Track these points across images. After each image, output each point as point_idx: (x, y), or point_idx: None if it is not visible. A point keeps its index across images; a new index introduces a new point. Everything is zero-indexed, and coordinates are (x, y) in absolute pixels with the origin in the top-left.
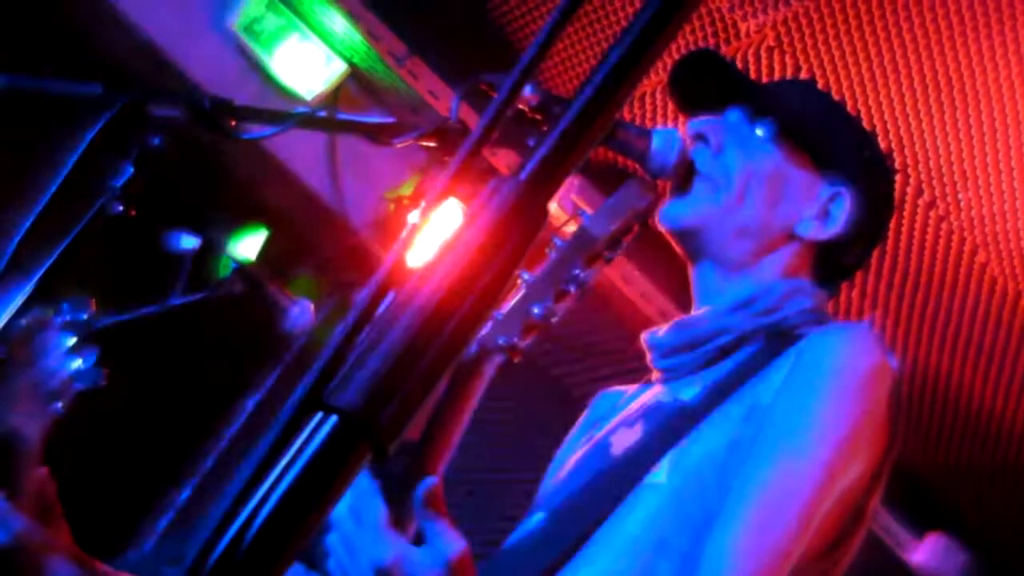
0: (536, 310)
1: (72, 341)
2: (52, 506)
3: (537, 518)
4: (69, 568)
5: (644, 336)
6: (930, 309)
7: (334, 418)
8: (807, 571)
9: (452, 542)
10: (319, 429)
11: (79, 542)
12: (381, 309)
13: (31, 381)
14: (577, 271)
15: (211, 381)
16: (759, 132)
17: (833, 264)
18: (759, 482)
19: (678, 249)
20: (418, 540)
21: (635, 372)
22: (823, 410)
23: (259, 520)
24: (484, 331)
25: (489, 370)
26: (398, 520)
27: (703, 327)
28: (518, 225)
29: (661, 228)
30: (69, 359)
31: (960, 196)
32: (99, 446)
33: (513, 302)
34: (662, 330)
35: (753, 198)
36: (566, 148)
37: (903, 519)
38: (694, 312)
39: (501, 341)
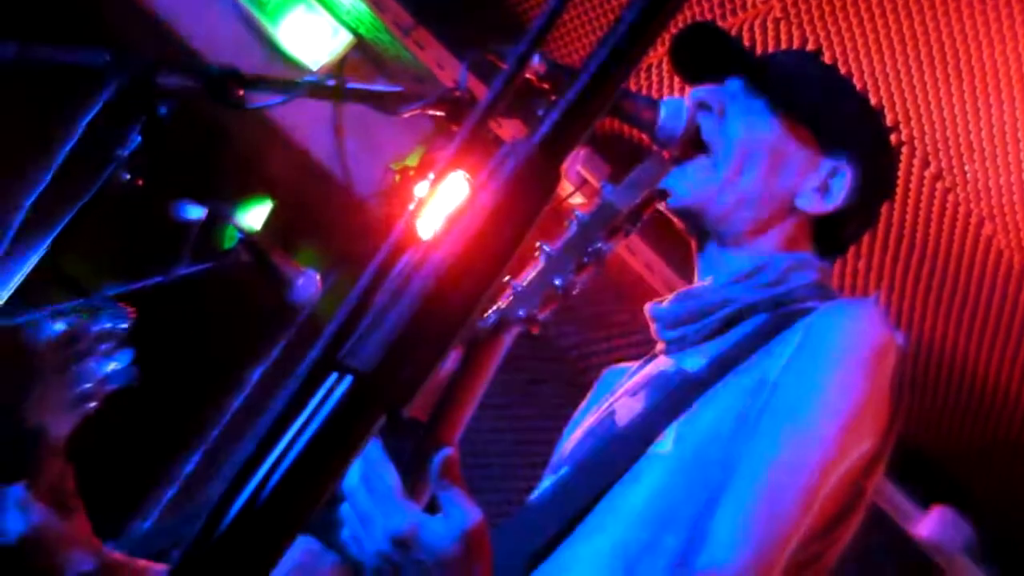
0: (557, 282)
1: (110, 347)
2: (71, 498)
3: (545, 488)
4: (87, 559)
5: (648, 307)
6: (935, 281)
7: (349, 378)
8: (805, 550)
9: (469, 511)
10: (334, 389)
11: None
12: (395, 272)
13: (64, 384)
14: (599, 244)
15: (216, 352)
16: (759, 103)
17: (832, 237)
18: (766, 459)
19: (677, 224)
20: (433, 509)
21: (640, 345)
22: (830, 389)
23: (274, 479)
24: (504, 302)
25: (507, 340)
26: (412, 490)
27: (707, 298)
28: (531, 189)
29: (670, 215)
30: (105, 362)
31: (967, 168)
32: (103, 417)
33: (533, 274)
34: (666, 301)
35: (752, 170)
36: (578, 113)
37: (909, 493)
38: (696, 283)
39: (521, 313)
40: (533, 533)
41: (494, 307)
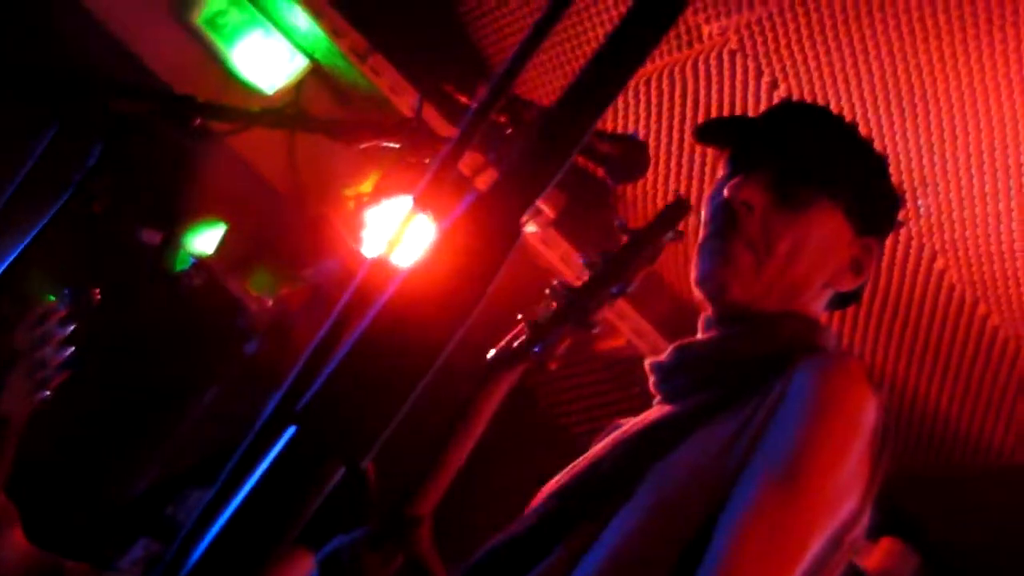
0: (580, 318)
1: (71, 329)
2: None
3: (527, 524)
4: (22, 564)
5: (647, 362)
6: (888, 314)
7: (303, 430)
8: None
9: None
10: (289, 442)
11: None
12: (355, 326)
13: (27, 368)
14: (616, 287)
15: (170, 372)
16: (798, 197)
17: (844, 297)
18: (752, 510)
19: (708, 305)
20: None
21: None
22: (813, 449)
23: (227, 527)
24: (519, 338)
25: (513, 377)
26: (382, 556)
27: (704, 351)
28: (492, 243)
29: (699, 290)
30: (63, 349)
31: (920, 202)
32: (56, 434)
33: (551, 311)
34: (664, 354)
35: (795, 267)
36: (541, 167)
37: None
38: (699, 336)
39: (537, 349)
40: (511, 567)
41: (506, 343)
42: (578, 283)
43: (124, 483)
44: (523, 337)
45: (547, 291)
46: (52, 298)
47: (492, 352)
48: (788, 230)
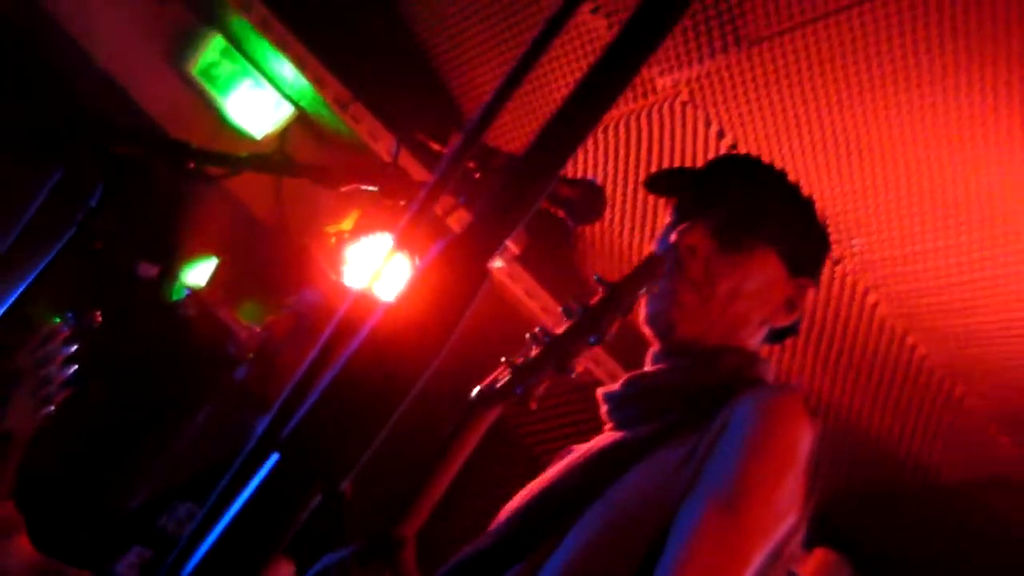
0: (560, 364)
1: (73, 349)
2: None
3: (491, 540)
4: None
5: (599, 392)
6: (824, 344)
7: (285, 457)
8: None
9: None
10: (272, 468)
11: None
12: (337, 356)
13: (31, 386)
14: (594, 336)
15: (166, 393)
16: (739, 243)
17: (779, 332)
18: (697, 532)
19: (656, 342)
20: None
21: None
22: (755, 476)
23: (216, 547)
24: (502, 379)
25: (495, 414)
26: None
27: (655, 382)
28: (464, 281)
29: (649, 328)
30: (67, 368)
31: (854, 242)
32: (58, 449)
33: (533, 356)
34: (617, 385)
35: (735, 306)
36: (509, 212)
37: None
38: (647, 369)
39: (518, 390)
40: None
41: (489, 382)
42: (558, 330)
43: (122, 495)
44: (506, 378)
45: (528, 336)
46: (57, 320)
47: (476, 390)
48: (729, 272)
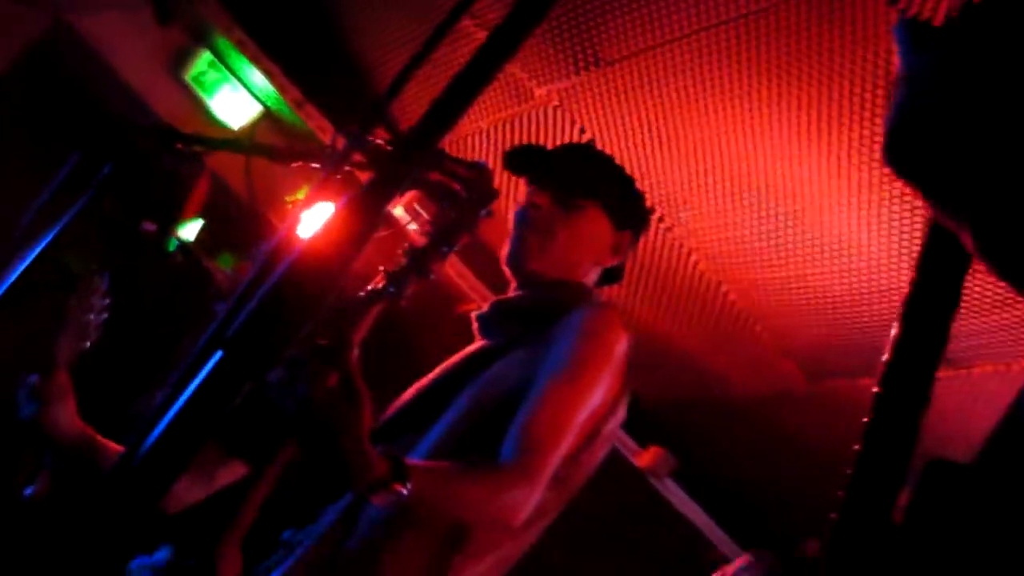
0: (421, 270)
1: (107, 302)
2: (68, 391)
3: (392, 415)
4: (73, 431)
5: (472, 314)
6: (656, 290)
7: (225, 352)
8: (563, 468)
9: (360, 390)
10: (216, 361)
11: None
12: (271, 274)
13: (76, 327)
14: (446, 248)
15: (164, 324)
16: (575, 202)
17: (610, 272)
18: (542, 399)
19: (511, 277)
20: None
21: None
22: (580, 356)
23: (166, 428)
24: (379, 285)
25: (377, 310)
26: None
27: (516, 305)
28: (363, 221)
29: (506, 266)
30: (102, 314)
31: (682, 215)
32: (95, 361)
33: (402, 266)
34: (485, 307)
35: (570, 250)
36: (395, 174)
37: (633, 436)
38: (510, 295)
39: (392, 291)
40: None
41: (372, 285)
42: (421, 245)
43: (128, 402)
44: (382, 283)
45: (399, 251)
46: (94, 275)
47: (363, 291)
48: (565, 223)
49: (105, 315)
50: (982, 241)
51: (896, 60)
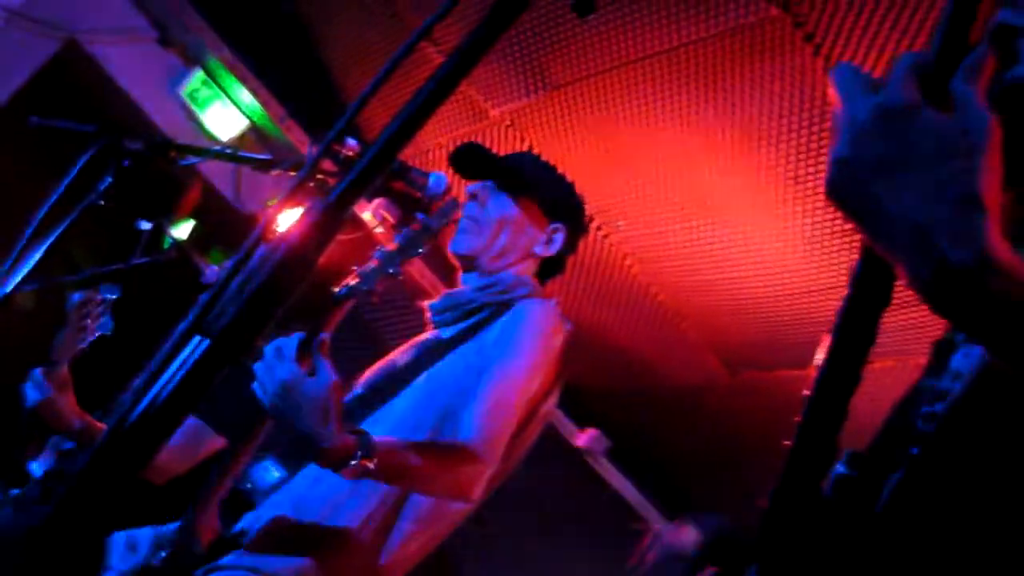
0: (391, 269)
1: (108, 305)
2: (67, 384)
3: (355, 393)
4: (76, 421)
5: (424, 303)
6: (593, 290)
7: (200, 340)
8: (508, 445)
9: (331, 375)
10: (195, 347)
11: None
12: (247, 265)
13: (75, 330)
14: (419, 249)
15: (156, 313)
16: (507, 194)
17: (549, 266)
18: (491, 384)
19: (455, 262)
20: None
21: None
22: (523, 347)
23: (153, 404)
24: (353, 281)
25: (350, 304)
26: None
27: (462, 297)
28: (326, 228)
29: (450, 253)
30: (98, 321)
31: (619, 223)
32: (97, 349)
33: (373, 266)
34: (436, 298)
35: (504, 234)
36: (355, 185)
37: (571, 417)
38: (457, 288)
39: (364, 287)
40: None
41: (345, 282)
42: (391, 247)
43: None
44: (355, 280)
45: (371, 253)
46: (93, 288)
47: (338, 288)
48: (500, 211)
49: (102, 320)
50: (916, 283)
51: (830, 97)
